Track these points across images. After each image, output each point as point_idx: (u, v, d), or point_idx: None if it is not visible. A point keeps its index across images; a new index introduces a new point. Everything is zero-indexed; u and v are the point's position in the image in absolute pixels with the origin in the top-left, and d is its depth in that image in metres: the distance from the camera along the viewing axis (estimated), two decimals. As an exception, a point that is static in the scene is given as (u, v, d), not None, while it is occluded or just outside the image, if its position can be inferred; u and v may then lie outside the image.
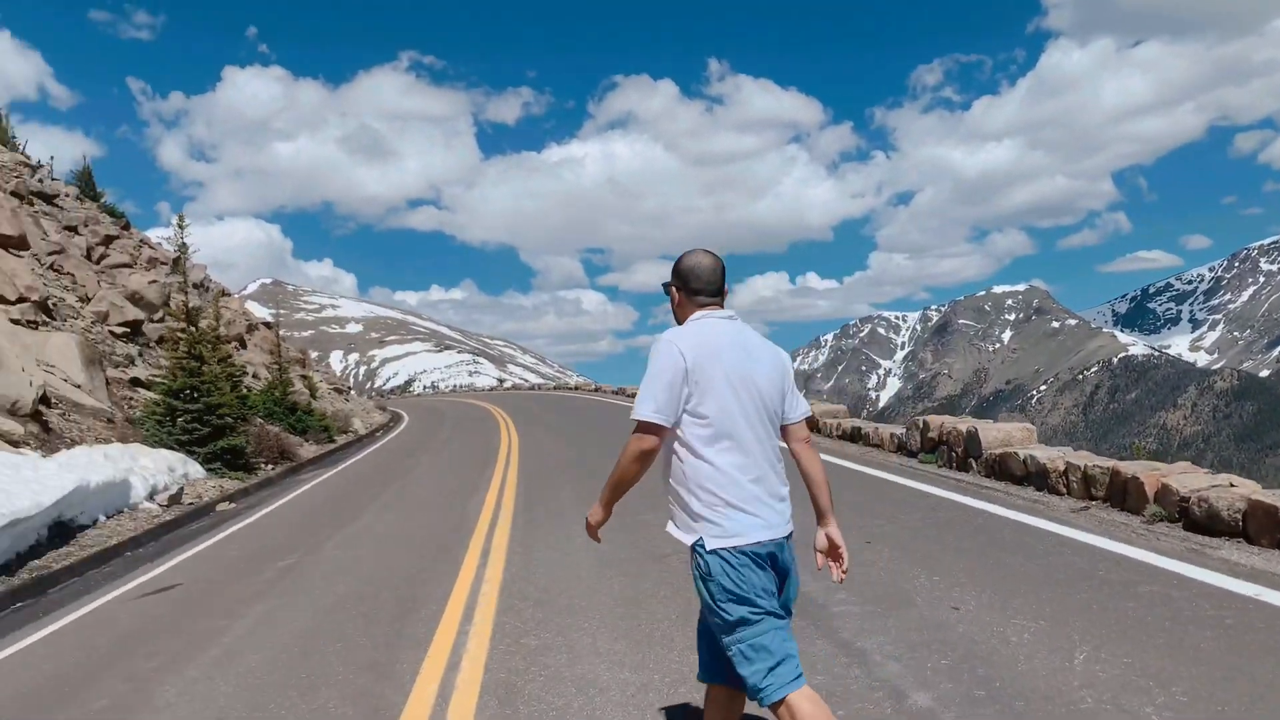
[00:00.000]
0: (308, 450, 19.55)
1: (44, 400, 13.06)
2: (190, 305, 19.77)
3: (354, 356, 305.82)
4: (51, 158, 37.42)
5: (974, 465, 9.47)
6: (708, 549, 2.61)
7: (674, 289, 2.86)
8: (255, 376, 23.96)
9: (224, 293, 33.24)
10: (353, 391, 37.82)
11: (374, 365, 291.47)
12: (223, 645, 5.29)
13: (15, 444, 11.18)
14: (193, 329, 15.95)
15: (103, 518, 10.78)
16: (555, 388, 59.06)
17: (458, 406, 36.15)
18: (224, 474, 14.83)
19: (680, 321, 2.83)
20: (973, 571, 5.16)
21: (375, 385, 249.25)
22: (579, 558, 6.42)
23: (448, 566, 6.57)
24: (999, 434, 9.50)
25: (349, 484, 14.33)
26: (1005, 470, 8.73)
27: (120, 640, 5.84)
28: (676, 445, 2.70)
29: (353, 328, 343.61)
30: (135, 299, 21.19)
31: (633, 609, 4.99)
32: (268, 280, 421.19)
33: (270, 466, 16.63)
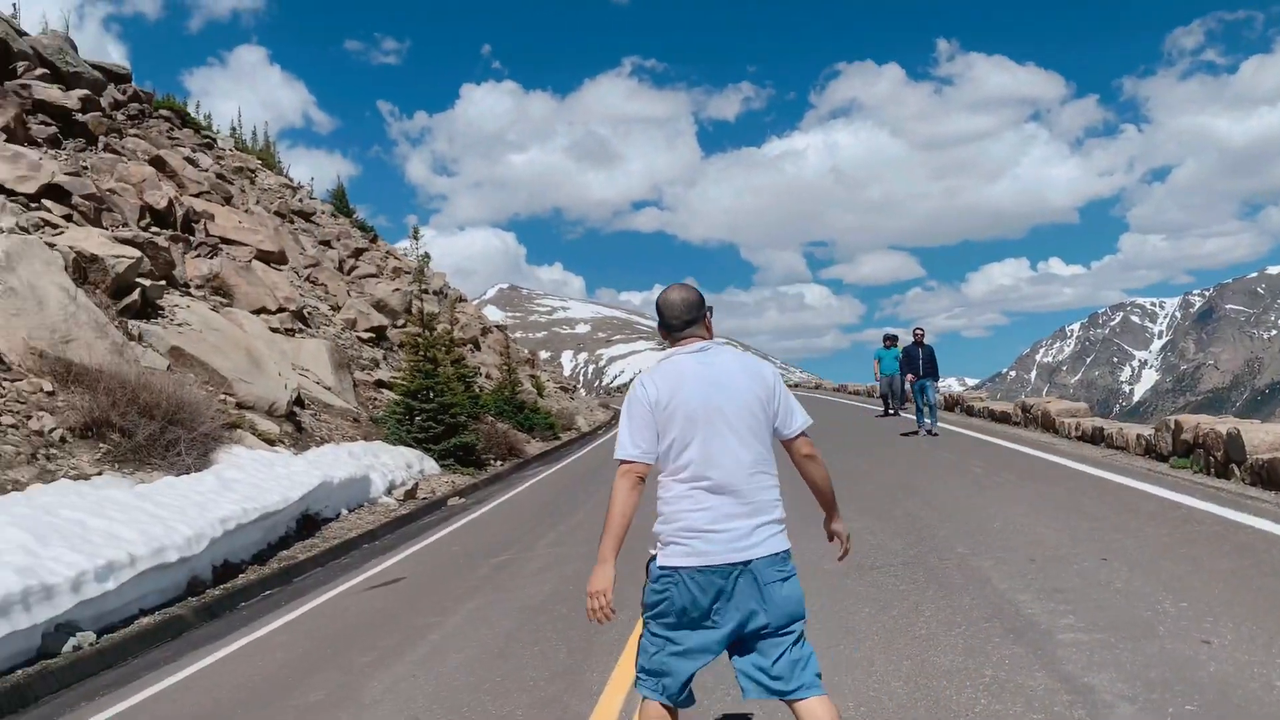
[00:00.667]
0: (534, 446, 20.30)
1: (298, 402, 14.25)
2: (428, 311, 21.00)
3: (583, 356, 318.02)
4: (311, 179, 40.91)
5: (1236, 472, 8.26)
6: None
7: (659, 328, 3.00)
8: (487, 377, 25.21)
9: (461, 298, 35.30)
10: (579, 390, 39.02)
11: (601, 364, 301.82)
12: (431, 643, 5.42)
13: (271, 442, 12.23)
14: (428, 333, 16.91)
15: (345, 511, 11.60)
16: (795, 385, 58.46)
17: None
18: (456, 469, 15.63)
19: None
20: (1230, 599, 4.39)
21: (602, 383, 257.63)
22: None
23: (628, 571, 6.48)
24: (1268, 436, 8.23)
25: (569, 480, 14.68)
26: (1275, 479, 7.56)
27: (344, 632, 6.15)
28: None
29: (581, 328, 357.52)
30: (380, 306, 22.83)
31: (833, 626, 4.65)
32: (504, 285, 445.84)
33: (499, 462, 17.38)
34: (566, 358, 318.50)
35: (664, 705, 2.72)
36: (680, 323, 2.91)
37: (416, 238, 20.76)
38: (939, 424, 14.23)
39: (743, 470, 2.72)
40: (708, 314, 2.96)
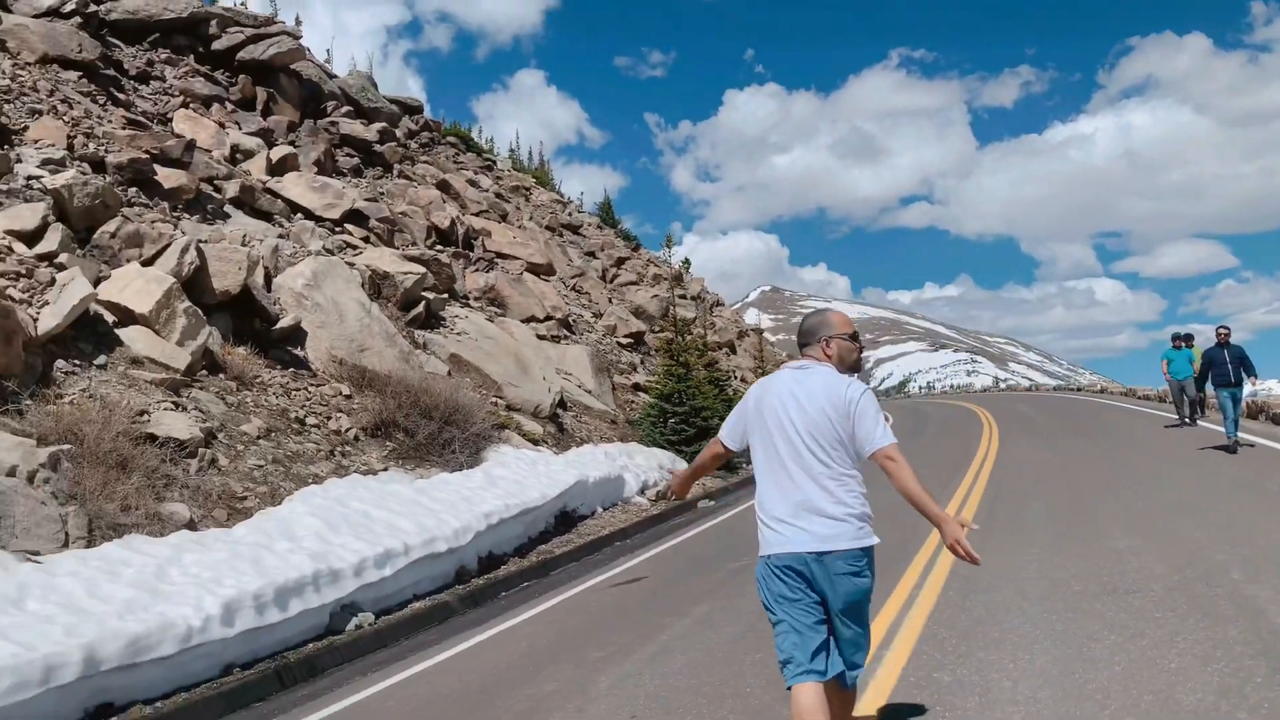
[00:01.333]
0: (788, 452, 20.19)
1: (561, 404, 15.09)
2: (685, 316, 21.47)
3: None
4: (581, 194, 43.18)
5: None
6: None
7: None
8: (742, 380, 25.40)
9: (718, 303, 35.86)
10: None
11: (868, 366, 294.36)
12: (660, 642, 5.58)
13: (535, 442, 13.05)
14: (681, 338, 17.32)
15: (600, 509, 12.14)
16: (1056, 388, 54.40)
17: (944, 409, 34.84)
18: (722, 476, 15.88)
19: None
20: None
21: (870, 387, 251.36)
22: (1027, 583, 5.68)
23: (884, 582, 6.26)
24: None
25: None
26: None
27: (585, 626, 6.46)
28: None
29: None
30: (638, 312, 23.66)
31: (1071, 652, 4.28)
32: (766, 287, 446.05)
33: (750, 466, 17.47)
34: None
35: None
36: (801, 343, 3.44)
37: (669, 246, 21.30)
38: (1240, 434, 12.65)
39: (816, 471, 3.18)
40: (826, 341, 3.36)
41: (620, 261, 29.62)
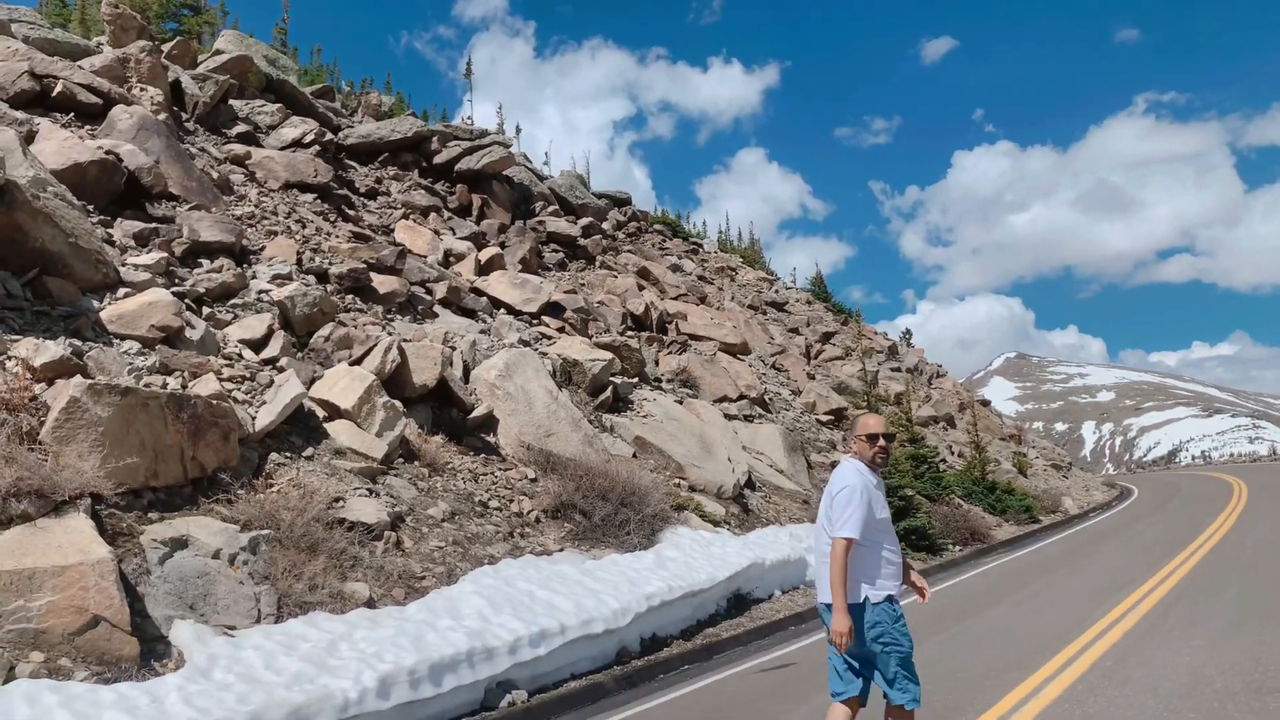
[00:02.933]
0: (1004, 531, 18.99)
1: (748, 484, 15.08)
2: (896, 390, 20.91)
3: (1107, 427, 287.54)
4: (794, 270, 43.64)
5: None
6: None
7: None
8: (959, 455, 24.22)
9: (938, 374, 34.51)
10: (1074, 468, 35.57)
11: (1130, 435, 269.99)
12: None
13: (716, 523, 13.10)
14: (875, 413, 16.87)
15: (779, 592, 11.95)
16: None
17: (1200, 482, 31.43)
18: (908, 553, 15.25)
19: None
20: None
21: (1132, 457, 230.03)
22: (1168, 678, 5.11)
23: (1015, 675, 5.83)
24: None
25: (1013, 572, 13.54)
26: None
27: (712, 713, 6.44)
28: None
29: (1104, 396, 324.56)
30: (840, 388, 23.26)
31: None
32: (1011, 354, 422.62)
33: (958, 547, 16.58)
34: (1088, 429, 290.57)
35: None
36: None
37: (863, 337, 20.88)
38: None
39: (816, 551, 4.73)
40: (848, 441, 4.74)
41: (827, 336, 29.34)
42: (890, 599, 4.41)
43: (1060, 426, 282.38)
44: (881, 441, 4.50)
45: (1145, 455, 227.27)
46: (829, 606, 4.33)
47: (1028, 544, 17.73)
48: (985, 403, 34.33)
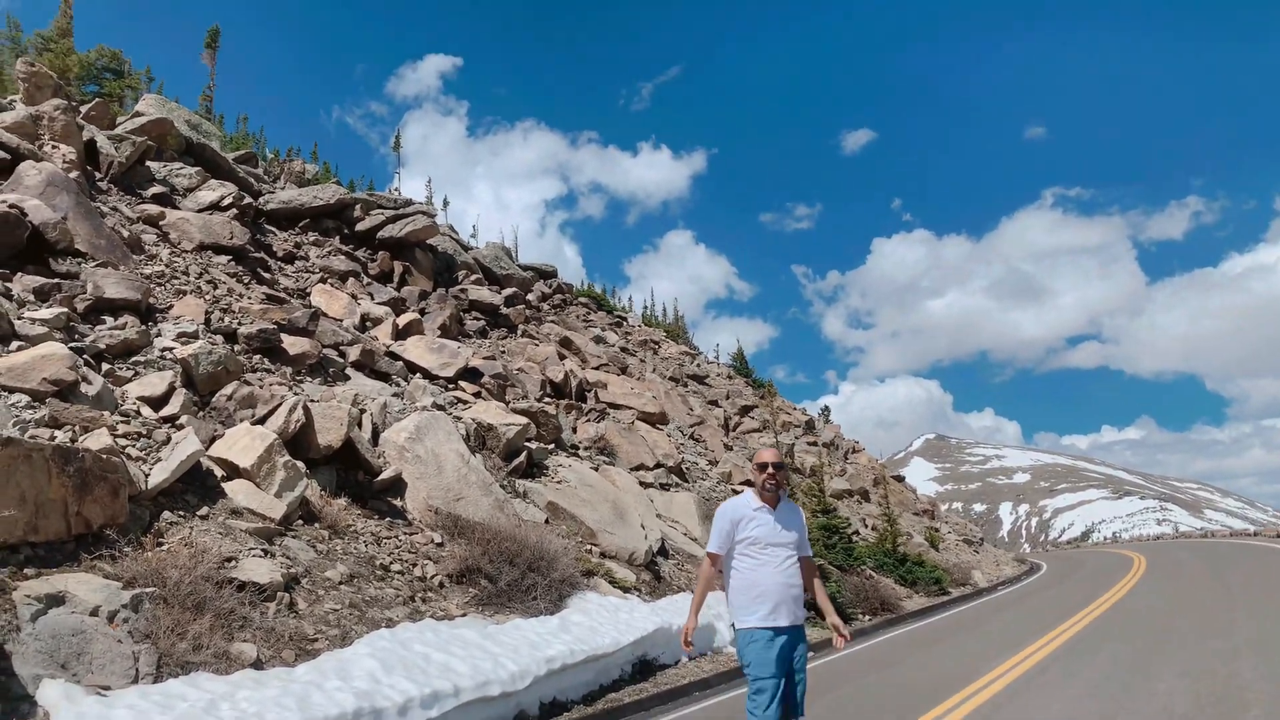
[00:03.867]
0: (914, 602, 19.23)
1: (661, 551, 15.07)
2: (813, 462, 21.17)
3: (1024, 508, 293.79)
4: (717, 345, 44.73)
5: None
6: None
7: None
8: (873, 528, 24.56)
9: (854, 449, 35.16)
10: (985, 543, 36.30)
11: (1046, 516, 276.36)
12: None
13: (626, 590, 13.03)
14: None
15: (685, 659, 11.90)
16: (1255, 533, 49.80)
17: (1104, 557, 32.38)
18: (816, 623, 15.31)
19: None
20: None
21: (1047, 537, 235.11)
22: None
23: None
24: None
25: (916, 638, 13.78)
26: None
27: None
28: None
29: (1020, 477, 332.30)
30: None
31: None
32: (930, 435, 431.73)
33: (868, 617, 16.71)
34: (1005, 510, 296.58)
35: None
36: None
37: (780, 411, 21.28)
38: None
39: None
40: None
41: (745, 410, 29.72)
42: (753, 629, 4.84)
43: (979, 506, 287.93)
44: (770, 470, 4.90)
45: (1060, 535, 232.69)
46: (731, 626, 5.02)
47: (936, 614, 17.98)
48: (899, 478, 34.97)
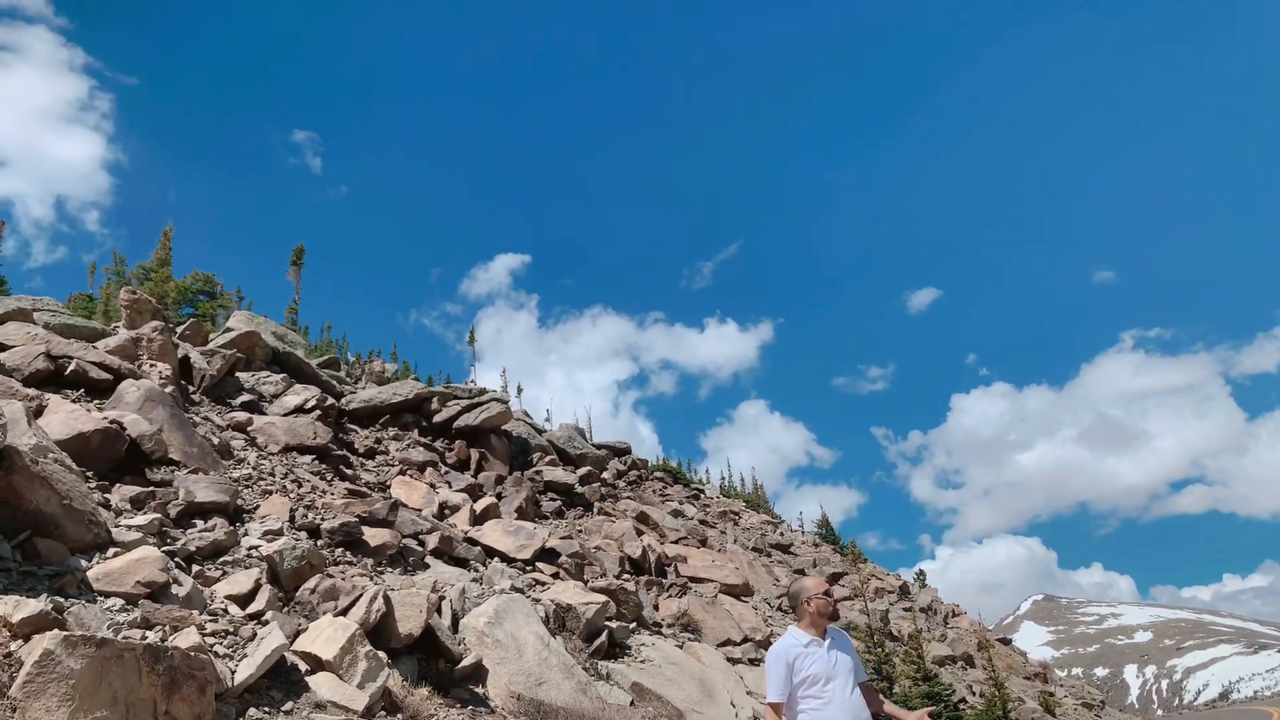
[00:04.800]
0: (1034, 774, 17.84)
1: (754, 730, 14.41)
2: (909, 630, 20.39)
3: (1150, 669, 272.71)
4: (800, 514, 43.89)
5: None
6: None
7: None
8: (979, 695, 23.13)
9: (954, 613, 33.55)
10: (1106, 706, 33.64)
11: (1176, 677, 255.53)
12: None
13: (718, 771, 12.43)
14: (879, 650, 16.43)
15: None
16: None
17: (1244, 714, 29.72)
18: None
19: None
20: None
21: (1183, 701, 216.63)
22: None
23: None
24: None
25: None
26: None
27: None
28: None
29: (1141, 636, 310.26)
30: (848, 627, 22.62)
31: None
32: (1038, 596, 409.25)
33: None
34: (1130, 673, 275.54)
35: None
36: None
37: (872, 577, 20.72)
38: None
39: None
40: (807, 602, 5.02)
41: (835, 577, 28.85)
42: None
43: (1100, 671, 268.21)
44: (827, 594, 4.91)
45: (1195, 699, 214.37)
46: None
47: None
48: (1006, 640, 33.10)
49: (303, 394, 19.61)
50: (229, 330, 21.95)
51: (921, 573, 44.87)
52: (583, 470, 26.06)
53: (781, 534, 33.14)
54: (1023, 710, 21.88)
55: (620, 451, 32.80)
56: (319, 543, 13.44)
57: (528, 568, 16.58)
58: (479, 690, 12.17)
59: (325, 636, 10.75)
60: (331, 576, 12.33)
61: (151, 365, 16.76)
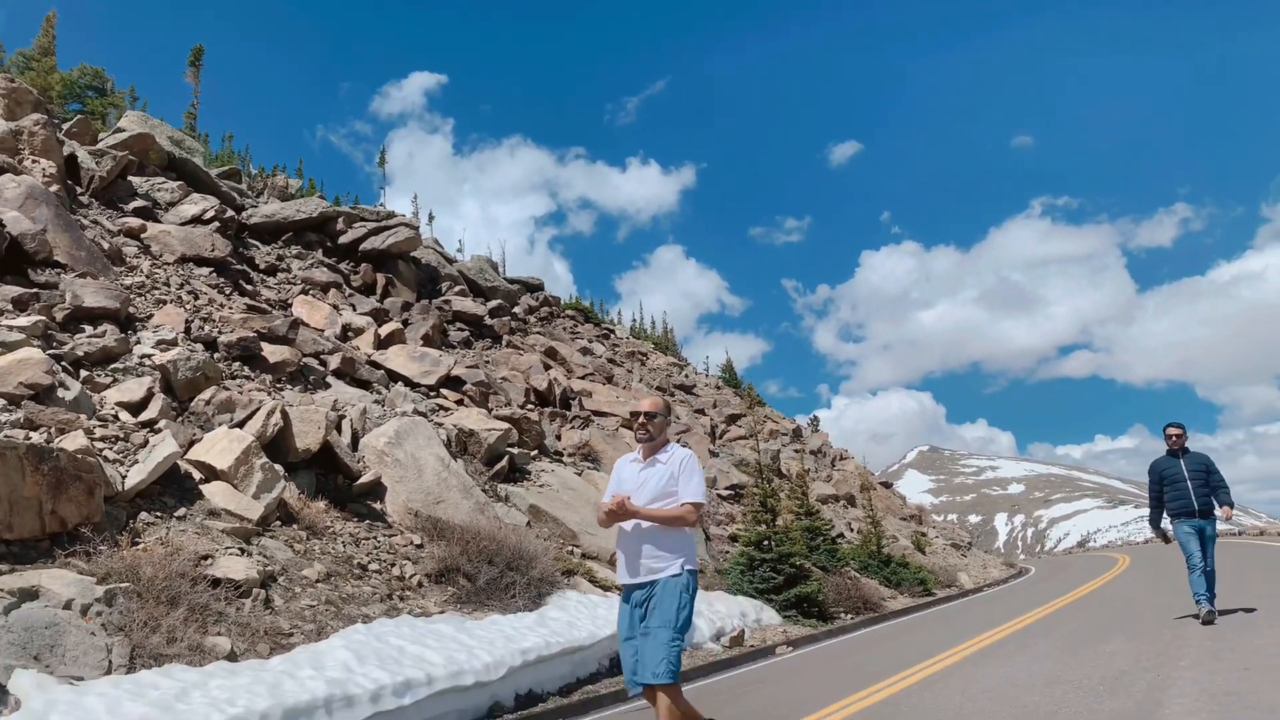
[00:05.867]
0: (898, 602, 19.31)
1: (643, 554, 15.16)
2: (798, 469, 21.30)
3: (1019, 518, 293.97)
4: (707, 358, 44.81)
5: None
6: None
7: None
8: (858, 532, 24.68)
9: (841, 456, 35.32)
10: (973, 547, 36.43)
11: (1041, 526, 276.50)
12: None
13: (606, 589, 13.12)
14: (766, 484, 17.23)
15: (664, 654, 11.97)
16: (1239, 533, 50.20)
17: (1097, 559, 32.59)
18: (798, 620, 15.41)
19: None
20: None
21: (1044, 548, 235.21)
22: (979, 684, 5.43)
23: (852, 691, 6.06)
24: None
25: (891, 631, 13.95)
26: None
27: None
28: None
29: (1014, 488, 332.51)
30: (742, 465, 23.63)
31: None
32: (924, 447, 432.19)
33: (850, 616, 16.80)
34: (1000, 521, 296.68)
35: None
36: None
37: (767, 420, 21.41)
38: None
39: None
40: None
41: (733, 419, 29.86)
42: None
43: (974, 518, 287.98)
44: (641, 418, 4.98)
45: (1055, 545, 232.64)
46: None
47: (918, 612, 18.09)
48: (888, 484, 35.12)
49: (201, 204, 18.80)
50: (120, 130, 20.66)
51: (815, 418, 46.60)
52: (494, 303, 25.96)
53: (686, 376, 33.94)
54: (896, 547, 23.50)
55: (533, 287, 32.68)
56: (216, 356, 13.22)
57: (432, 393, 16.69)
58: (376, 506, 12.43)
59: (220, 447, 10.75)
60: (228, 390, 12.22)
61: (34, 161, 15.77)
